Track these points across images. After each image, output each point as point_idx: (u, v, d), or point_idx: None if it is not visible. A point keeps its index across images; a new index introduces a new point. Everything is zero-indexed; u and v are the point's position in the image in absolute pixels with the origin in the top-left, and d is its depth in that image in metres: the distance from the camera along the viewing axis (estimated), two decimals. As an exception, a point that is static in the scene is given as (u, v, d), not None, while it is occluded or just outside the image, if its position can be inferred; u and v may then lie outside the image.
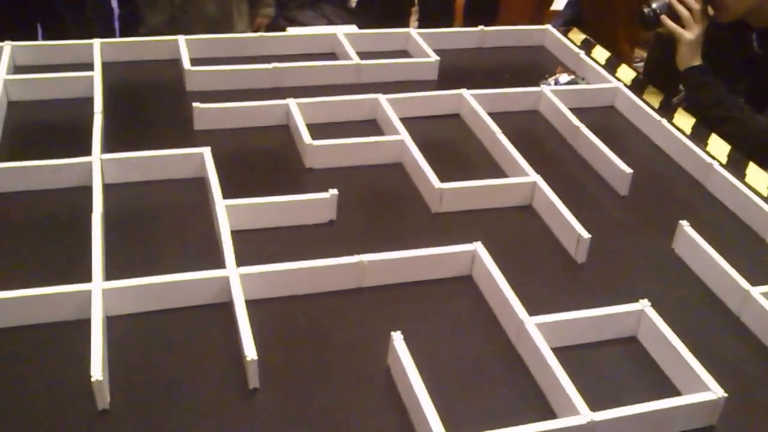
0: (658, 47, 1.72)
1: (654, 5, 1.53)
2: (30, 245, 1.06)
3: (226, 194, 1.10)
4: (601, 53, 1.79)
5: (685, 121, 1.53)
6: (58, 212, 1.12)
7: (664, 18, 1.53)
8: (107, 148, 1.22)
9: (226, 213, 1.06)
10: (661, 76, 1.67)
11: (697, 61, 1.53)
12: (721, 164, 1.30)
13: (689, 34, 1.52)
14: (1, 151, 1.24)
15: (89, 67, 1.44)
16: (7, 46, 1.47)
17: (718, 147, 1.44)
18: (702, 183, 1.31)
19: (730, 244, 1.13)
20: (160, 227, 1.11)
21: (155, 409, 0.84)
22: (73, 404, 0.83)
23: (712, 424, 0.86)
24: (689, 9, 1.51)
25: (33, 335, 0.91)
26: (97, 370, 0.81)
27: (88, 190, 1.11)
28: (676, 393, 0.89)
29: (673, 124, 1.43)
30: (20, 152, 1.22)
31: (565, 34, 1.81)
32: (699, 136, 1.47)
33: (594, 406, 0.82)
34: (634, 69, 1.76)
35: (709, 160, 1.30)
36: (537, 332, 0.91)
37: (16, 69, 1.48)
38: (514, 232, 1.16)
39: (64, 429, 0.81)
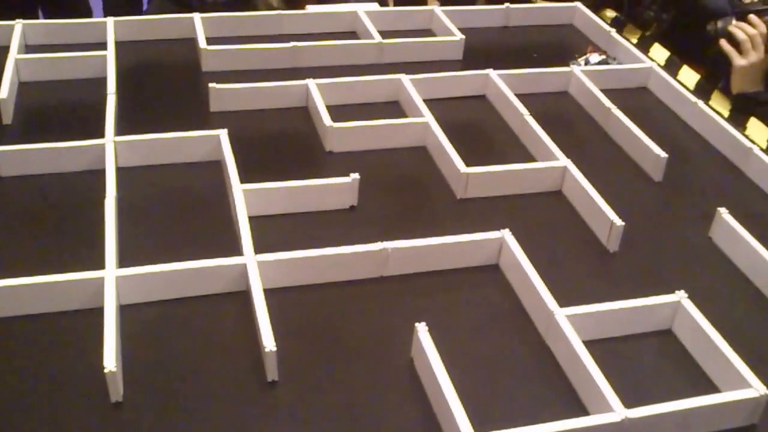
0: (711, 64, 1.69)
1: (720, 24, 1.53)
2: (41, 231, 1.05)
3: (244, 178, 1.09)
4: (633, 32, 1.75)
5: (722, 103, 1.50)
6: (69, 196, 1.11)
7: (722, 41, 1.53)
8: (121, 130, 1.21)
9: (244, 198, 1.05)
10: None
11: (754, 88, 1.51)
12: (761, 149, 1.27)
13: (742, 60, 1.51)
14: (11, 133, 1.24)
15: (102, 46, 1.43)
16: (18, 24, 1.46)
17: (759, 130, 1.40)
18: (741, 168, 1.28)
19: (771, 233, 1.10)
20: (175, 212, 1.10)
21: (170, 402, 0.82)
22: (85, 396, 0.82)
23: (754, 423, 0.84)
24: (748, 35, 1.51)
25: (44, 324, 0.90)
26: (110, 361, 0.80)
27: (101, 173, 1.10)
28: (715, 390, 0.87)
29: (709, 106, 1.39)
30: (31, 134, 1.21)
31: (595, 12, 1.77)
32: (738, 118, 1.43)
33: (628, 403, 0.80)
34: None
35: (748, 144, 1.27)
36: (567, 324, 0.89)
37: (28, 48, 1.47)
38: (543, 219, 1.14)
39: (76, 421, 0.80)
